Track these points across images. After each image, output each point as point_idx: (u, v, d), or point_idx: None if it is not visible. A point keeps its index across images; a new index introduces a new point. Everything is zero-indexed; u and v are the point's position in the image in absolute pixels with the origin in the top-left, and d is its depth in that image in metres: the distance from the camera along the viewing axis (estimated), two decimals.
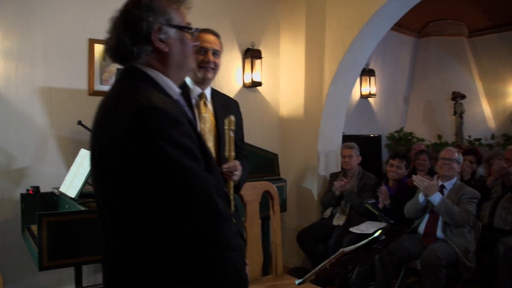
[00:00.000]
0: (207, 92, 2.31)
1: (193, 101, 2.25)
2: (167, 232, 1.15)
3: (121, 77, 1.30)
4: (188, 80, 2.26)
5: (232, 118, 2.13)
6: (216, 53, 2.25)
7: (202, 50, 2.19)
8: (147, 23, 1.24)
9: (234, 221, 1.34)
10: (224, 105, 2.36)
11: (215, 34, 2.28)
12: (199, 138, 1.26)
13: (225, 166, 2.13)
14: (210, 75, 2.25)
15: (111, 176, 1.19)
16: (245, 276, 1.28)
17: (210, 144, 2.24)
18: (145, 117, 1.12)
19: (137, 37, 1.24)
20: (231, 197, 2.18)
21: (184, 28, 1.32)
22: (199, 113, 2.24)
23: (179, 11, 1.33)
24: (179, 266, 1.18)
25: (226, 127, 2.14)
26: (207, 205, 1.15)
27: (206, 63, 2.21)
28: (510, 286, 3.49)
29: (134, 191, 1.15)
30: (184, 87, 2.20)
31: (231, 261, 1.20)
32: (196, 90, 2.26)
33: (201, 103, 2.26)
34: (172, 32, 1.29)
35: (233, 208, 2.20)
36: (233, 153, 2.16)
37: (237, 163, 2.17)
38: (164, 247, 1.17)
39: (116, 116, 1.18)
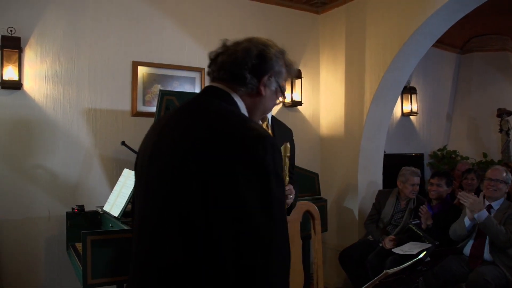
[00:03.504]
0: (269, 116, 2.40)
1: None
2: (236, 263, 1.12)
3: (213, 95, 1.35)
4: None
5: (288, 145, 2.20)
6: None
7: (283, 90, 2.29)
8: (270, 66, 1.37)
9: None
10: (282, 130, 2.47)
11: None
12: None
13: None
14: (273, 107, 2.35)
15: (195, 187, 1.16)
16: None
17: None
18: (263, 147, 1.16)
19: (256, 69, 1.35)
20: None
21: (281, 89, 1.45)
22: None
23: (287, 73, 1.46)
24: None
25: (282, 154, 2.19)
26: (283, 257, 1.17)
27: (279, 102, 2.30)
28: None
29: (224, 215, 1.13)
30: None
31: None
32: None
33: (263, 125, 2.34)
34: (274, 85, 1.41)
35: None
36: (287, 178, 2.24)
37: (291, 187, 2.25)
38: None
39: (223, 134, 1.18)
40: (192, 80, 4.24)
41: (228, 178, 1.12)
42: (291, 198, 2.27)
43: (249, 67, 1.34)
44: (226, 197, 1.12)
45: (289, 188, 2.25)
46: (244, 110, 1.36)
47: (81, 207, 3.49)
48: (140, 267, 1.29)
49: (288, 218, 2.35)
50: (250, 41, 1.41)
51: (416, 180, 4.32)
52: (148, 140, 1.36)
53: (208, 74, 1.44)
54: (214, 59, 1.42)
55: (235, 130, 1.19)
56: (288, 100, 4.78)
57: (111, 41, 3.89)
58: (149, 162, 1.30)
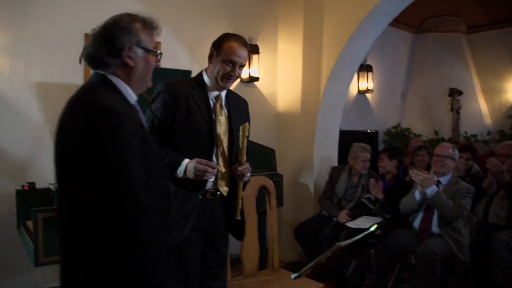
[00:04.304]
0: (223, 94, 2.37)
1: (211, 102, 2.31)
2: (100, 223, 1.32)
3: (89, 80, 1.54)
4: (206, 79, 2.33)
5: (247, 125, 2.23)
6: (242, 66, 2.31)
7: (230, 63, 2.24)
8: (121, 42, 1.49)
9: None
10: (237, 106, 2.44)
11: (247, 47, 2.33)
12: (147, 138, 1.48)
13: (240, 168, 2.23)
14: (229, 85, 2.33)
15: (68, 170, 1.39)
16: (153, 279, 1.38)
17: (224, 145, 2.33)
18: (100, 116, 1.34)
19: (110, 51, 1.49)
20: (240, 194, 2.29)
21: (150, 51, 1.56)
22: (215, 115, 2.30)
23: (150, 36, 1.58)
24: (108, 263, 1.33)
25: (241, 133, 2.24)
26: (127, 201, 1.33)
27: (230, 77, 2.27)
28: (502, 279, 3.52)
29: (81, 182, 1.34)
30: (202, 87, 2.30)
31: (142, 262, 1.35)
32: (213, 92, 2.32)
33: (217, 105, 2.32)
34: (139, 51, 1.53)
35: (240, 206, 2.30)
36: (245, 157, 2.26)
37: (248, 165, 2.27)
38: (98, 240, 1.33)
39: (76, 114, 1.40)
40: None
41: (73, 146, 1.36)
42: (247, 176, 2.29)
43: (104, 54, 1.49)
44: (81, 166, 1.34)
45: (247, 166, 2.27)
46: (123, 85, 1.52)
47: (32, 184, 3.38)
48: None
49: (244, 193, 2.38)
50: (102, 26, 1.53)
51: (366, 156, 4.40)
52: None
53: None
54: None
55: (81, 105, 1.42)
56: (245, 75, 4.76)
57: (62, 11, 3.72)
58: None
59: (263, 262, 4.09)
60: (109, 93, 1.46)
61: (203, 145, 2.25)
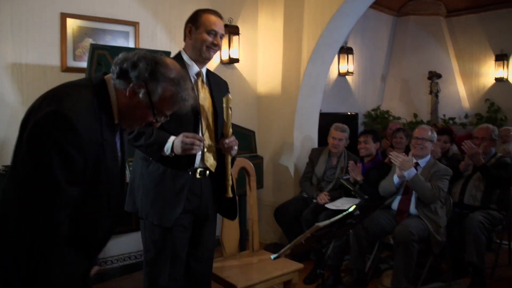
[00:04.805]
0: (204, 71, 2.40)
1: (192, 79, 2.32)
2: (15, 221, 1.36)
3: (96, 76, 1.54)
4: (186, 58, 2.35)
5: (230, 96, 2.26)
6: (222, 37, 2.37)
7: (212, 33, 2.29)
8: (137, 74, 1.48)
9: None
10: (217, 84, 2.47)
11: (222, 19, 2.38)
12: (101, 160, 1.47)
13: (226, 141, 2.27)
14: (213, 55, 2.37)
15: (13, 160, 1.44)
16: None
17: (209, 120, 2.36)
18: (52, 117, 1.34)
19: (123, 75, 1.49)
20: (229, 170, 2.32)
21: (152, 104, 1.52)
22: (197, 91, 2.32)
23: (168, 101, 1.54)
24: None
25: (224, 105, 2.26)
26: (44, 210, 1.35)
27: (214, 46, 2.32)
28: (476, 258, 3.61)
29: (12, 176, 1.41)
30: (182, 65, 2.28)
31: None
32: (194, 68, 2.34)
33: (199, 81, 2.35)
34: (145, 98, 1.50)
35: (230, 182, 2.33)
36: (231, 130, 2.29)
37: (234, 138, 2.30)
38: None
39: (40, 108, 1.40)
40: (125, 35, 4.06)
41: (24, 141, 1.38)
42: (235, 149, 2.32)
43: (118, 71, 1.49)
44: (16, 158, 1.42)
45: (233, 139, 2.30)
46: (114, 104, 1.51)
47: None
48: None
49: None
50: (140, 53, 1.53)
51: (339, 134, 4.41)
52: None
53: None
54: None
55: (43, 103, 1.41)
56: (225, 57, 4.71)
57: None
58: None
59: (243, 243, 4.11)
60: (87, 108, 1.43)
61: (188, 121, 2.26)
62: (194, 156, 2.26)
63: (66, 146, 1.33)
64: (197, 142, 2.13)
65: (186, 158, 2.22)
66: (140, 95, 1.49)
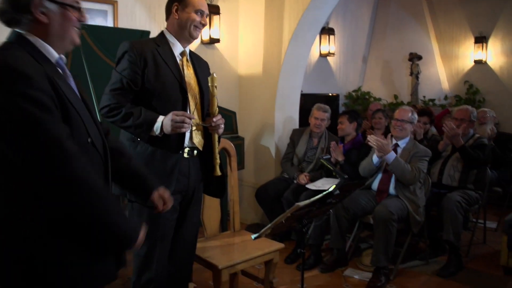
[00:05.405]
0: (187, 50, 2.40)
1: (177, 58, 2.33)
2: (28, 175, 1.32)
3: (6, 39, 1.47)
4: (169, 37, 2.34)
5: (215, 75, 2.27)
6: (207, 16, 2.39)
7: (199, 12, 2.31)
8: (31, 2, 1.40)
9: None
10: (199, 64, 2.48)
11: None
12: (61, 93, 1.41)
13: (214, 119, 2.27)
14: (199, 34, 2.38)
15: None
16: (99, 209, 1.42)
17: (197, 99, 2.37)
18: (2, 75, 1.30)
19: (17, 7, 1.41)
20: (216, 148, 2.34)
21: (64, 5, 1.46)
22: (183, 70, 2.32)
23: None
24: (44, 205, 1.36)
25: (210, 84, 2.27)
26: (53, 149, 1.31)
27: (202, 25, 2.34)
28: (453, 236, 3.69)
29: None
30: (166, 45, 2.32)
31: (84, 193, 1.37)
32: (178, 47, 2.34)
33: (184, 60, 2.35)
34: (52, 6, 1.44)
35: (218, 160, 2.36)
36: (217, 108, 2.29)
37: (221, 116, 2.31)
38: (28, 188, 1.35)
39: None
40: (103, 13, 3.97)
41: None
42: (222, 127, 2.33)
43: (11, 10, 1.41)
44: None
45: (220, 117, 2.30)
46: (41, 43, 1.45)
47: None
48: None
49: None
50: None
51: (322, 114, 4.40)
52: None
53: None
54: None
55: None
56: (206, 37, 4.65)
57: None
58: None
59: (224, 224, 4.12)
60: (21, 52, 1.39)
61: (176, 100, 2.25)
62: (183, 135, 2.25)
63: (29, 91, 1.30)
64: (187, 120, 2.12)
65: (176, 138, 2.22)
66: (48, 12, 1.43)
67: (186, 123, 2.12)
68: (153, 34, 2.43)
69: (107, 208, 1.43)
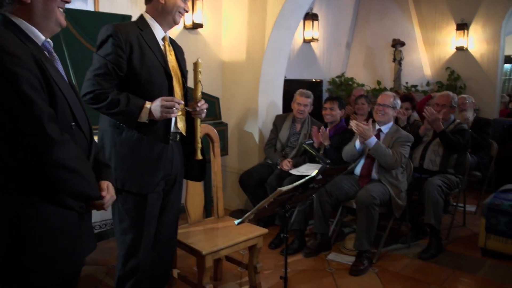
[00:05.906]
0: (168, 35, 2.39)
1: (160, 43, 2.31)
2: (6, 149, 1.34)
3: None
4: (151, 21, 2.30)
5: (200, 60, 2.28)
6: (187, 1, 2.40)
7: None
8: None
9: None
10: (178, 49, 2.48)
11: None
12: (48, 75, 1.41)
13: (199, 104, 2.29)
14: (180, 20, 2.39)
15: None
16: (80, 196, 1.49)
17: (180, 83, 2.39)
18: None
19: None
20: (199, 133, 2.36)
21: None
22: (165, 55, 2.31)
23: None
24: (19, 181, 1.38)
25: (194, 70, 2.28)
26: (35, 129, 1.33)
27: (185, 11, 2.36)
28: (434, 220, 3.76)
29: None
30: (148, 29, 2.28)
31: (62, 179, 1.41)
32: (160, 32, 2.32)
33: (166, 45, 2.34)
34: None
35: (199, 144, 2.39)
36: (200, 94, 2.31)
37: (204, 101, 2.33)
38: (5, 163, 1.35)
39: None
40: None
41: None
42: (204, 112, 2.35)
43: None
44: None
45: (203, 102, 2.32)
46: (26, 25, 1.45)
47: None
48: None
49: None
50: None
51: (305, 100, 4.41)
52: None
53: None
54: None
55: None
56: (188, 22, 4.60)
57: None
58: None
59: (208, 210, 4.13)
60: (6, 32, 1.38)
61: (162, 86, 2.24)
62: (170, 121, 2.25)
63: (16, 69, 1.31)
64: (177, 106, 2.12)
65: (163, 124, 2.22)
66: None
67: (176, 107, 2.12)
68: (134, 19, 2.39)
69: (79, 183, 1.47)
